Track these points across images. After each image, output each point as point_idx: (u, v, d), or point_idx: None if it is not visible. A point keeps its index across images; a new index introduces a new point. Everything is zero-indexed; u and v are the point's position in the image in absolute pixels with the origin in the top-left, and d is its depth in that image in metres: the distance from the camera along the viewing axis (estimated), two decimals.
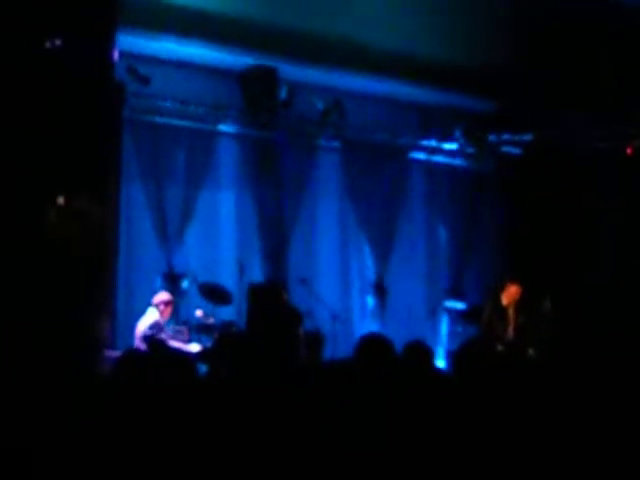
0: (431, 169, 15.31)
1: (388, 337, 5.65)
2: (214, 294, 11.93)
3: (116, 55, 10.37)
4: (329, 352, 12.15)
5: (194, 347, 10.95)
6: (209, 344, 10.92)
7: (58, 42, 9.80)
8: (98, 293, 10.24)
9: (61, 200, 9.75)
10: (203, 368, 8.16)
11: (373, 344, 5.50)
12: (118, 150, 11.06)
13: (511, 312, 11.91)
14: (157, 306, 11.01)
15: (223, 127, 13.27)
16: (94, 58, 10.16)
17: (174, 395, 4.42)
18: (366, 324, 14.13)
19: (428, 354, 6.13)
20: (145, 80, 11.75)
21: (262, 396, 5.17)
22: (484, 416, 5.16)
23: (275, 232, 13.53)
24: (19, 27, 9.65)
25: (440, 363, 13.34)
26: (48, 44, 9.75)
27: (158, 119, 12.62)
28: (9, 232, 9.57)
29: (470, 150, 15.03)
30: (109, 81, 10.43)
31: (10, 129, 9.70)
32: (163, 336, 10.73)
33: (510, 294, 11.94)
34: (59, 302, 9.61)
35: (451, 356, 12.67)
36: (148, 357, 4.62)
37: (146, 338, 10.64)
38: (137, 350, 9.54)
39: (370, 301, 14.53)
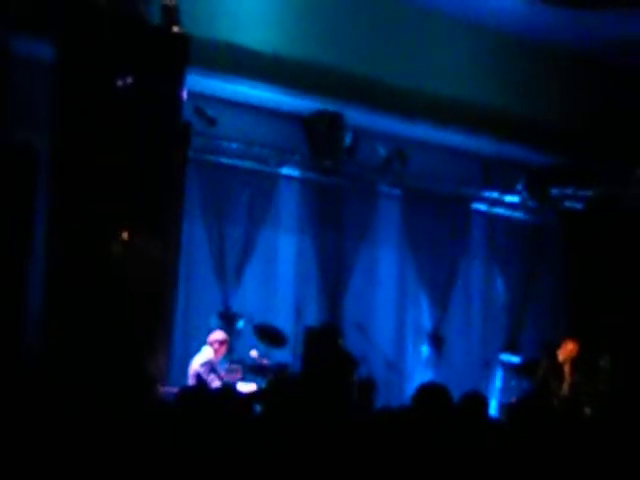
0: (492, 221, 15.24)
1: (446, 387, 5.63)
2: (269, 336, 11.93)
3: (184, 95, 10.51)
4: (381, 399, 12.09)
5: (249, 387, 10.94)
6: (262, 385, 10.92)
7: (129, 80, 9.96)
8: (155, 329, 10.31)
9: (125, 236, 9.86)
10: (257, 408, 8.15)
11: (432, 393, 5.47)
12: (182, 188, 11.16)
13: (567, 369, 11.80)
14: (212, 344, 11.04)
15: (286, 170, 13.34)
16: (163, 97, 10.31)
17: (229, 432, 4.43)
18: (420, 373, 14.04)
19: (485, 405, 6.08)
20: (212, 121, 11.88)
21: (315, 439, 5.15)
22: (537, 470, 5.11)
23: (333, 277, 13.53)
24: (92, 64, 9.83)
25: (492, 414, 13.20)
26: (119, 82, 9.92)
27: (222, 160, 12.73)
28: (73, 266, 9.69)
29: (532, 203, 14.96)
30: (176, 120, 10.55)
31: (78, 164, 9.85)
32: (213, 375, 10.73)
33: (567, 351, 11.84)
34: (116, 336, 9.69)
35: (505, 409, 12.54)
36: (207, 394, 4.65)
37: (198, 376, 10.67)
38: (192, 387, 9.56)
39: (425, 350, 14.45)
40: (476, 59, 13.75)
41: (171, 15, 10.37)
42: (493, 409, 13.77)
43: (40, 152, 10.38)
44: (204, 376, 10.63)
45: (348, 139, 13.06)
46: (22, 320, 10.07)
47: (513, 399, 11.53)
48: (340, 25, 12.58)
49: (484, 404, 6.05)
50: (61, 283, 9.72)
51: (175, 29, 10.40)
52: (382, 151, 13.50)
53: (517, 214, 15.34)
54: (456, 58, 13.50)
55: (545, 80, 14.11)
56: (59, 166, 9.90)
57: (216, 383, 10.57)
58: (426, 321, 14.51)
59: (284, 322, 12.52)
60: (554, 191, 14.82)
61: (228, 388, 7.20)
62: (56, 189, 9.89)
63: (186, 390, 5.90)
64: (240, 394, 8.41)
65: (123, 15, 10.11)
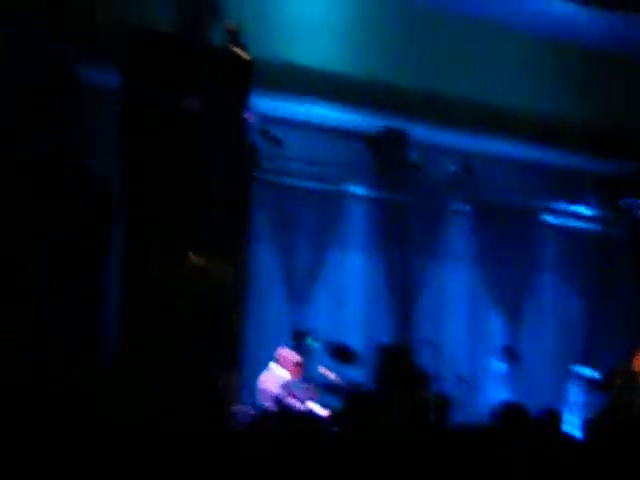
0: (563, 233, 15.05)
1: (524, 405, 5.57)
2: (340, 353, 11.89)
3: (251, 117, 10.57)
4: (455, 416, 11.97)
5: (316, 407, 10.90)
6: (334, 404, 10.87)
7: (195, 102, 10.05)
8: (225, 349, 10.34)
9: (192, 257, 9.92)
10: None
11: (512, 412, 5.41)
12: (248, 210, 11.21)
13: None
14: (284, 364, 11.04)
15: (353, 189, 13.36)
16: (229, 119, 10.38)
17: (307, 454, 4.41)
18: (493, 389, 13.90)
19: (560, 422, 6.00)
20: (278, 142, 11.92)
21: (395, 458, 5.12)
22: None
23: (403, 294, 13.48)
24: (158, 85, 9.93)
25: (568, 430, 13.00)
26: (185, 104, 10.01)
27: (288, 180, 12.79)
28: (145, 289, 9.77)
29: (604, 214, 14.75)
30: (242, 142, 10.62)
31: (148, 190, 9.96)
32: (291, 398, 10.69)
33: None
34: (187, 356, 9.74)
35: (584, 425, 12.36)
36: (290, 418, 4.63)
37: (277, 399, 10.64)
38: (272, 412, 9.56)
39: (498, 366, 14.31)
40: (539, 69, 13.61)
41: (234, 38, 10.46)
42: (570, 425, 13.57)
43: (112, 180, 10.49)
44: (284, 399, 10.61)
45: (414, 156, 13.03)
46: (94, 348, 10.17)
47: (591, 415, 11.35)
48: (402, 42, 12.56)
49: (559, 421, 5.97)
50: (134, 305, 9.82)
51: (238, 51, 10.48)
52: (450, 167, 13.44)
53: (589, 225, 15.12)
54: (519, 69, 13.39)
55: (611, 88, 13.93)
56: (131, 193, 10.02)
57: (296, 405, 10.55)
58: (498, 336, 14.37)
59: (354, 340, 12.49)
60: (626, 201, 14.59)
61: (309, 412, 7.17)
62: (129, 216, 10.00)
63: (268, 414, 5.89)
64: (321, 418, 8.38)
65: (187, 39, 10.22)
